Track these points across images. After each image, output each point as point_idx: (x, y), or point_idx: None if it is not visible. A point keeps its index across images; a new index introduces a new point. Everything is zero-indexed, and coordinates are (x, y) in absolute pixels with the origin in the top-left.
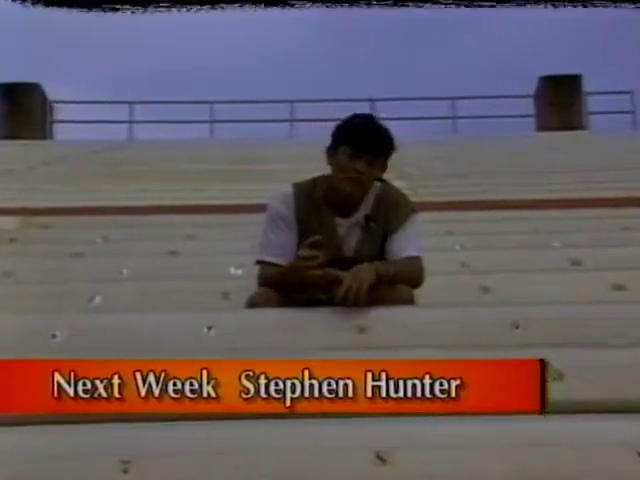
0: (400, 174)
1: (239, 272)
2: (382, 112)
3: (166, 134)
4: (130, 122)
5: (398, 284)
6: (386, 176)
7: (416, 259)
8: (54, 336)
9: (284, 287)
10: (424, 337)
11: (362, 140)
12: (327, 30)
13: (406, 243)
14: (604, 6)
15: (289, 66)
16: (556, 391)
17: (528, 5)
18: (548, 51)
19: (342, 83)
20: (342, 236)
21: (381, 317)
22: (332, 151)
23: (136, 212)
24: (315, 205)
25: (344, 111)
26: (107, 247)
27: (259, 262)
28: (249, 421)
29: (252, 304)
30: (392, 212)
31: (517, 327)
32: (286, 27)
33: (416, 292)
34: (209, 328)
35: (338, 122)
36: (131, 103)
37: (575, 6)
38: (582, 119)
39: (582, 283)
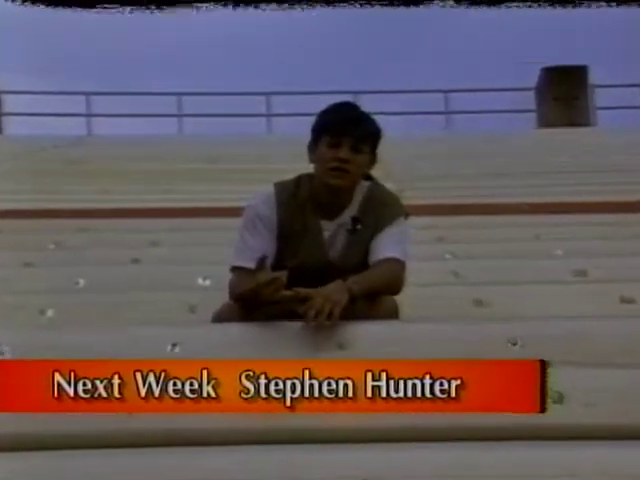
0: (386, 174)
1: (207, 283)
2: (366, 106)
3: (129, 129)
4: (88, 115)
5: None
6: (375, 175)
7: (396, 262)
8: (1, 353)
9: (255, 302)
10: (409, 355)
11: (341, 123)
12: (307, 22)
13: (389, 243)
14: (609, 6)
15: (265, 57)
16: (555, 415)
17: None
18: (551, 40)
19: (324, 75)
20: (328, 240)
21: (362, 332)
22: (313, 146)
23: (94, 215)
24: (299, 206)
25: (325, 104)
26: (61, 254)
27: (234, 268)
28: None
29: (220, 318)
30: (380, 212)
31: (514, 344)
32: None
33: (402, 304)
34: (173, 345)
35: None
36: (88, 94)
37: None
38: (588, 114)
39: (587, 296)
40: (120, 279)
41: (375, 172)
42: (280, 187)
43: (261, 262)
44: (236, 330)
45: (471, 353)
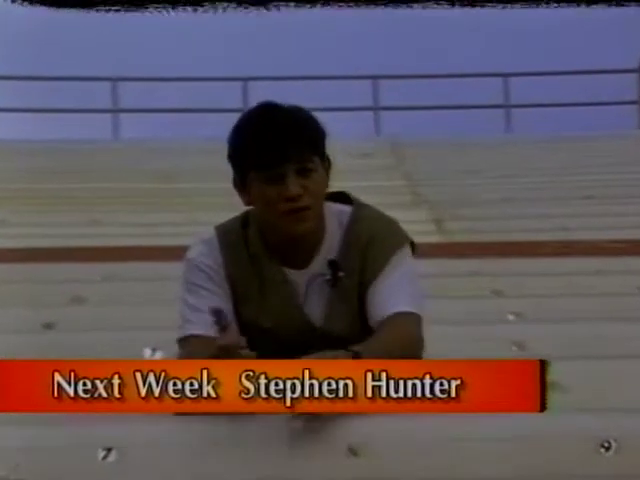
0: (416, 197)
1: (157, 355)
2: (383, 97)
3: (39, 132)
4: None
5: None
6: (391, 202)
7: (410, 319)
8: None
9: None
10: (448, 466)
11: (273, 150)
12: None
13: (394, 292)
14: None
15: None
16: None
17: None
18: None
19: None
20: (301, 297)
21: (380, 428)
22: (239, 184)
23: None
24: (253, 257)
25: (316, 94)
26: None
27: (182, 340)
28: None
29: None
30: (371, 249)
31: (607, 448)
32: None
33: None
34: (107, 451)
35: (228, 136)
36: None
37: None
38: None
39: None
40: (28, 350)
41: (401, 195)
42: (223, 230)
43: (219, 317)
44: (192, 426)
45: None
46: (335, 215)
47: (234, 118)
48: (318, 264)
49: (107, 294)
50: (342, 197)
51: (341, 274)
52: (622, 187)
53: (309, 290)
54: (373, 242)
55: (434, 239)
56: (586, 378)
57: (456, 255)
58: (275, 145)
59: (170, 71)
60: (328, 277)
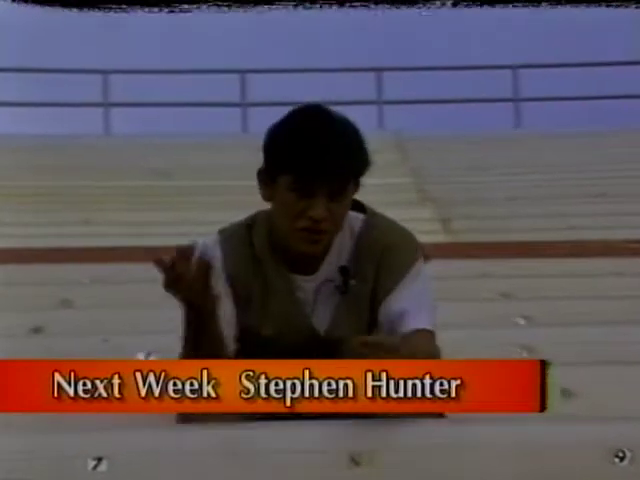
0: (421, 195)
1: (153, 359)
2: (386, 90)
3: (25, 126)
4: None
5: None
6: (395, 200)
7: (428, 337)
8: None
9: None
10: (453, 475)
11: (313, 165)
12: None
13: (410, 307)
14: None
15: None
16: None
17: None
18: None
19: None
20: (308, 302)
21: (382, 437)
22: (266, 179)
23: None
24: (257, 260)
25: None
26: None
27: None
28: None
29: (183, 416)
30: (385, 259)
31: (621, 458)
32: None
33: None
34: (98, 460)
35: (270, 126)
36: None
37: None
38: None
39: None
40: (14, 357)
41: (406, 193)
42: (226, 236)
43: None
44: (196, 435)
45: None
46: (346, 221)
47: (231, 112)
48: (327, 270)
49: (97, 297)
50: (354, 204)
51: (352, 282)
52: (636, 184)
53: (318, 298)
54: (389, 252)
55: (440, 239)
56: (599, 384)
57: (463, 256)
58: (321, 162)
59: (164, 63)
60: (338, 283)
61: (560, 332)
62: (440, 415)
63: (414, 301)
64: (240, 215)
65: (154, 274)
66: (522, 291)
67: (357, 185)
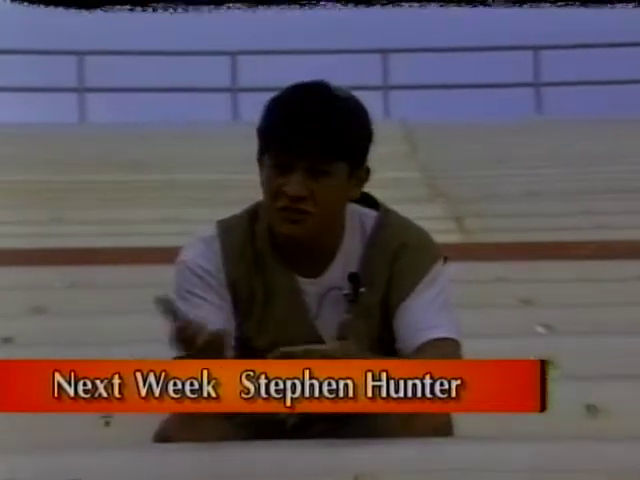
0: (431, 191)
1: None
2: (393, 74)
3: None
4: None
5: None
6: (403, 196)
7: (451, 346)
8: None
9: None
10: None
11: (285, 137)
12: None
13: (430, 314)
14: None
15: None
16: None
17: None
18: None
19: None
20: (314, 311)
21: (386, 456)
22: (259, 161)
23: None
24: (258, 257)
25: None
26: None
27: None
28: None
29: (162, 436)
30: (399, 262)
31: None
32: None
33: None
34: None
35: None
36: None
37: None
38: None
39: None
40: None
41: (414, 188)
42: (226, 228)
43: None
44: (180, 455)
45: None
46: (356, 218)
47: (221, 98)
48: (334, 274)
49: (72, 303)
50: (365, 199)
51: (362, 289)
52: None
53: (323, 304)
54: (404, 254)
55: (453, 239)
56: (627, 400)
57: (478, 258)
58: (293, 133)
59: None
60: (346, 291)
61: (584, 342)
62: (448, 434)
63: (433, 308)
64: (229, 213)
65: (135, 278)
66: (542, 297)
67: (357, 169)
